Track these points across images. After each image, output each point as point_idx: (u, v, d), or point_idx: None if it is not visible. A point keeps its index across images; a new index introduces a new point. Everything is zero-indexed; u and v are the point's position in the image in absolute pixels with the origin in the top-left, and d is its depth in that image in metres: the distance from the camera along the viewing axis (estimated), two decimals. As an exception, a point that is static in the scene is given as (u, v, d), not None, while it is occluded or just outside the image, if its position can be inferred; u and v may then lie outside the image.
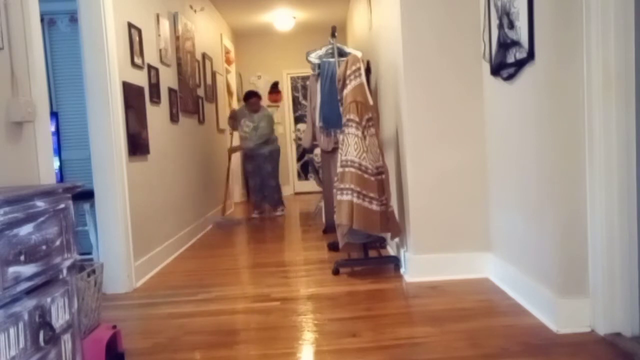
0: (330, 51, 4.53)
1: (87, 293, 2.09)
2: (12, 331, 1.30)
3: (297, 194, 9.09)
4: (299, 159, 9.19)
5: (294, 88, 9.22)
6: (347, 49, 4.60)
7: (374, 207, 3.31)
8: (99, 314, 2.21)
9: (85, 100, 3.36)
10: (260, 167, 6.40)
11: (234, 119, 6.50)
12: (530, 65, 2.42)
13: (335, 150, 4.39)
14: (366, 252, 3.62)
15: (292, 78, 9.16)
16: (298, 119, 9.20)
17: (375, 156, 3.39)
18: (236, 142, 6.63)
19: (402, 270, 3.42)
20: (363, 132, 3.37)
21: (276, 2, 7.04)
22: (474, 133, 3.17)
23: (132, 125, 3.64)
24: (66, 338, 1.58)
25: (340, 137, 3.54)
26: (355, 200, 3.28)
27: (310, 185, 8.56)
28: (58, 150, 3.58)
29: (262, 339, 2.43)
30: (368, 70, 4.79)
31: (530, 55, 2.38)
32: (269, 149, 6.38)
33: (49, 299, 1.49)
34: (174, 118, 4.71)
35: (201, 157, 5.80)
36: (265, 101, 8.15)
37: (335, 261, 3.58)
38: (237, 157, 7.85)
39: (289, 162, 9.08)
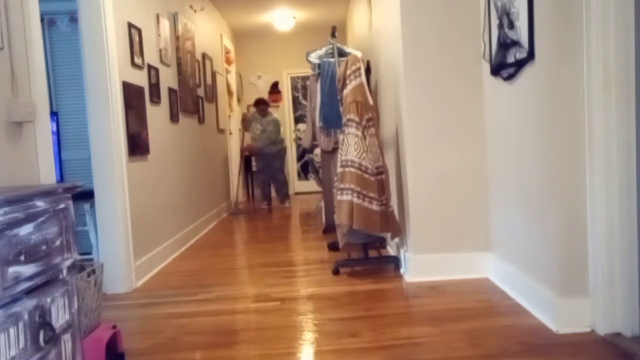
0: (330, 51, 4.53)
1: (87, 293, 2.09)
2: (12, 331, 1.30)
3: (297, 194, 9.08)
4: (299, 159, 9.18)
5: (294, 88, 9.21)
6: (347, 49, 4.60)
7: (374, 207, 3.31)
8: (99, 314, 2.21)
9: (85, 100, 3.36)
10: (270, 164, 7.18)
11: (246, 122, 7.42)
12: (530, 65, 2.42)
13: (335, 150, 4.39)
14: (366, 252, 3.62)
15: (292, 78, 9.15)
16: (298, 119, 9.20)
17: (375, 156, 3.39)
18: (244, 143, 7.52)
19: (402, 270, 3.42)
20: (363, 132, 3.37)
21: (276, 2, 7.05)
22: (474, 133, 3.17)
23: (132, 125, 3.64)
24: (66, 338, 1.58)
25: (340, 137, 3.54)
26: (355, 200, 3.28)
27: (310, 185, 8.56)
28: (58, 150, 3.58)
29: (262, 339, 2.43)
30: (368, 70, 4.78)
31: (530, 55, 2.38)
32: (277, 148, 7.20)
33: (49, 299, 1.49)
34: (174, 118, 4.72)
35: (201, 157, 5.80)
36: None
37: (335, 261, 3.58)
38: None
39: (289, 162, 9.08)
